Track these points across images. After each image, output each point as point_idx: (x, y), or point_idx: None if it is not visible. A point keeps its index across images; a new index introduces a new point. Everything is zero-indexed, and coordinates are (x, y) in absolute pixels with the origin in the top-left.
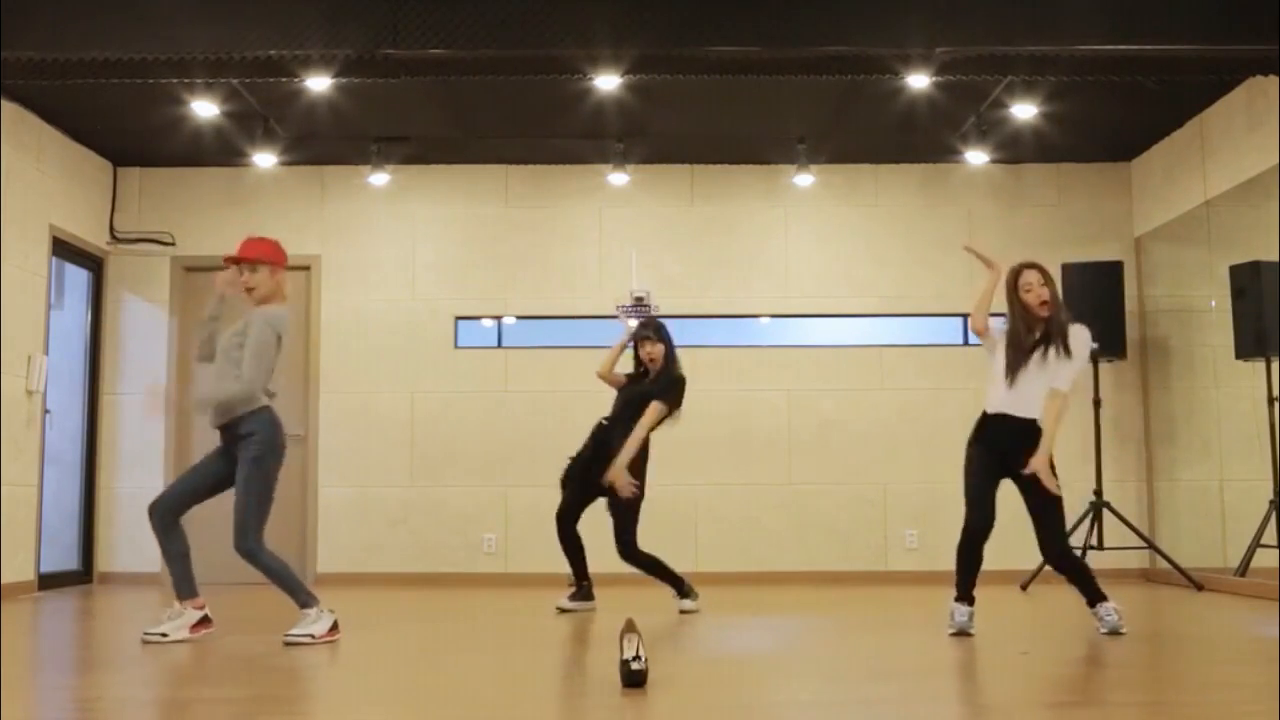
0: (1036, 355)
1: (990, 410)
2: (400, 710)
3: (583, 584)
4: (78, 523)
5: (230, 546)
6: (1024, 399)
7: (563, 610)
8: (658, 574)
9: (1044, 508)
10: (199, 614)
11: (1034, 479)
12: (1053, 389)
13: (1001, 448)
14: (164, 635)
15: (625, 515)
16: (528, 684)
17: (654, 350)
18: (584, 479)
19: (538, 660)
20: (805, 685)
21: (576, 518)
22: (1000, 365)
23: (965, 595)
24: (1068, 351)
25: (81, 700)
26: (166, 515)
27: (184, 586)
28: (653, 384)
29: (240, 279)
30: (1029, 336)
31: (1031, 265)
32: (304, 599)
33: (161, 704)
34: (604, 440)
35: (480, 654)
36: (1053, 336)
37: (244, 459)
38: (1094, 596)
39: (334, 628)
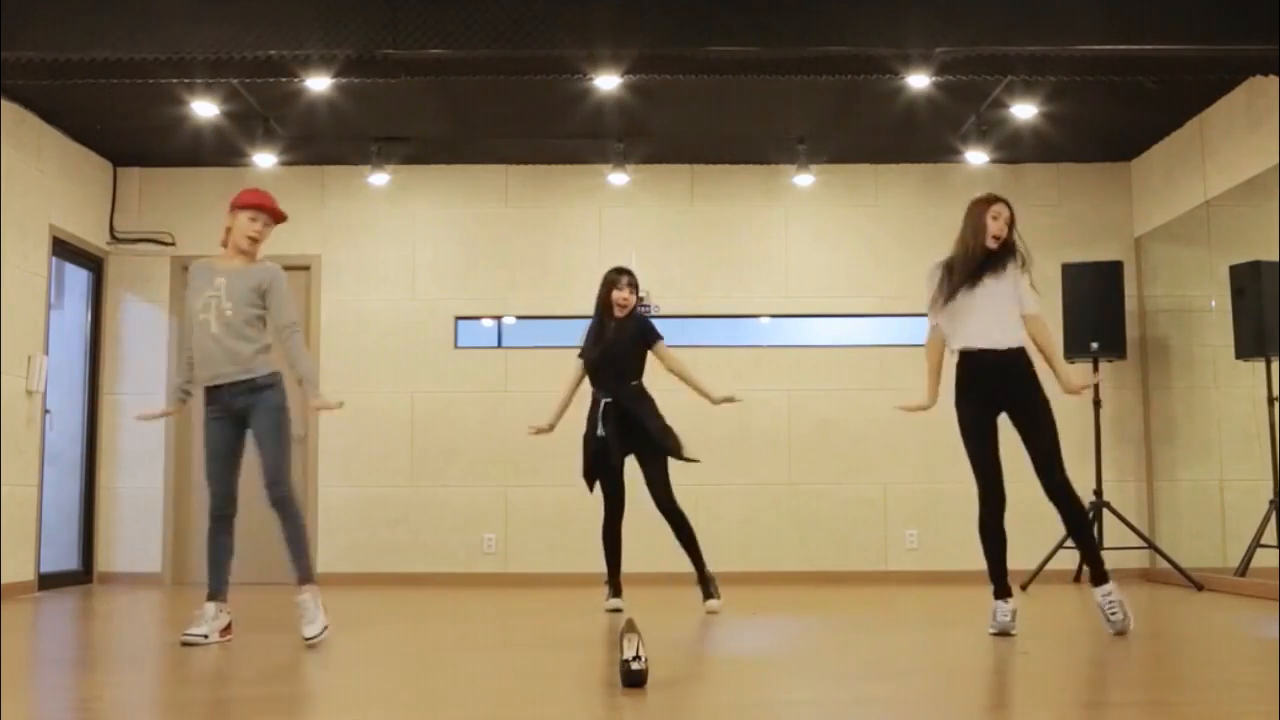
0: (991, 275)
1: (969, 346)
2: (400, 710)
3: (616, 581)
4: (78, 523)
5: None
6: (999, 325)
7: (617, 610)
8: (687, 545)
9: (1041, 435)
10: (229, 619)
11: (1028, 409)
12: (1027, 314)
13: (991, 390)
14: (205, 636)
15: (662, 465)
16: (528, 684)
17: (631, 298)
18: (616, 453)
19: (538, 660)
20: (805, 685)
21: (623, 509)
22: (957, 294)
23: (1003, 590)
24: (1021, 265)
25: (81, 700)
26: (229, 516)
27: (222, 587)
28: (624, 333)
29: (258, 231)
30: (973, 261)
31: (1004, 199)
32: (308, 573)
33: (161, 704)
34: (625, 413)
35: (480, 654)
36: (1007, 255)
37: (268, 408)
38: (1096, 571)
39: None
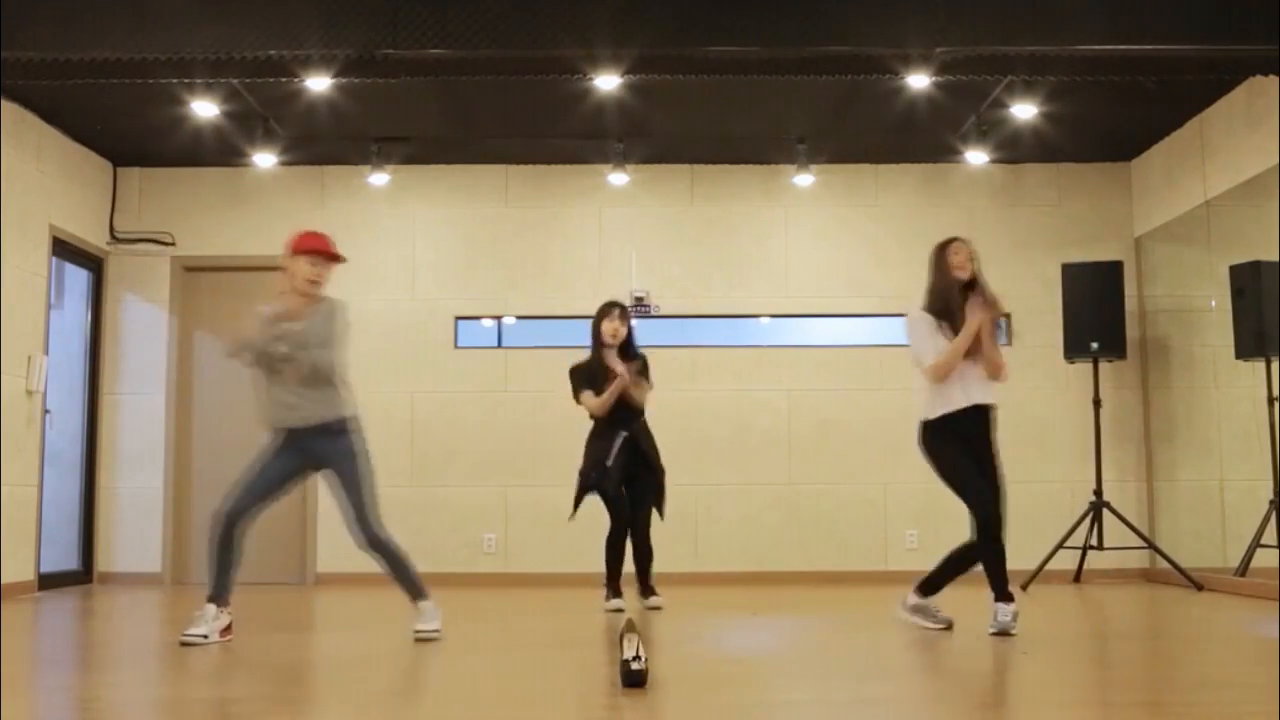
0: (989, 338)
1: (967, 402)
2: (400, 710)
3: (616, 584)
4: (78, 523)
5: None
6: (982, 382)
7: (619, 610)
8: (644, 566)
9: (993, 481)
10: (229, 619)
11: (989, 457)
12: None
13: (964, 434)
14: (205, 637)
15: (651, 505)
16: (528, 684)
17: (622, 329)
18: (614, 483)
19: (538, 660)
20: (805, 685)
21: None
22: (953, 351)
23: (1005, 595)
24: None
25: (81, 700)
26: (241, 525)
27: (225, 592)
28: (633, 370)
29: (319, 274)
30: (955, 300)
31: (961, 238)
32: (421, 591)
33: (161, 704)
34: (638, 448)
35: (480, 654)
36: (990, 307)
37: (347, 452)
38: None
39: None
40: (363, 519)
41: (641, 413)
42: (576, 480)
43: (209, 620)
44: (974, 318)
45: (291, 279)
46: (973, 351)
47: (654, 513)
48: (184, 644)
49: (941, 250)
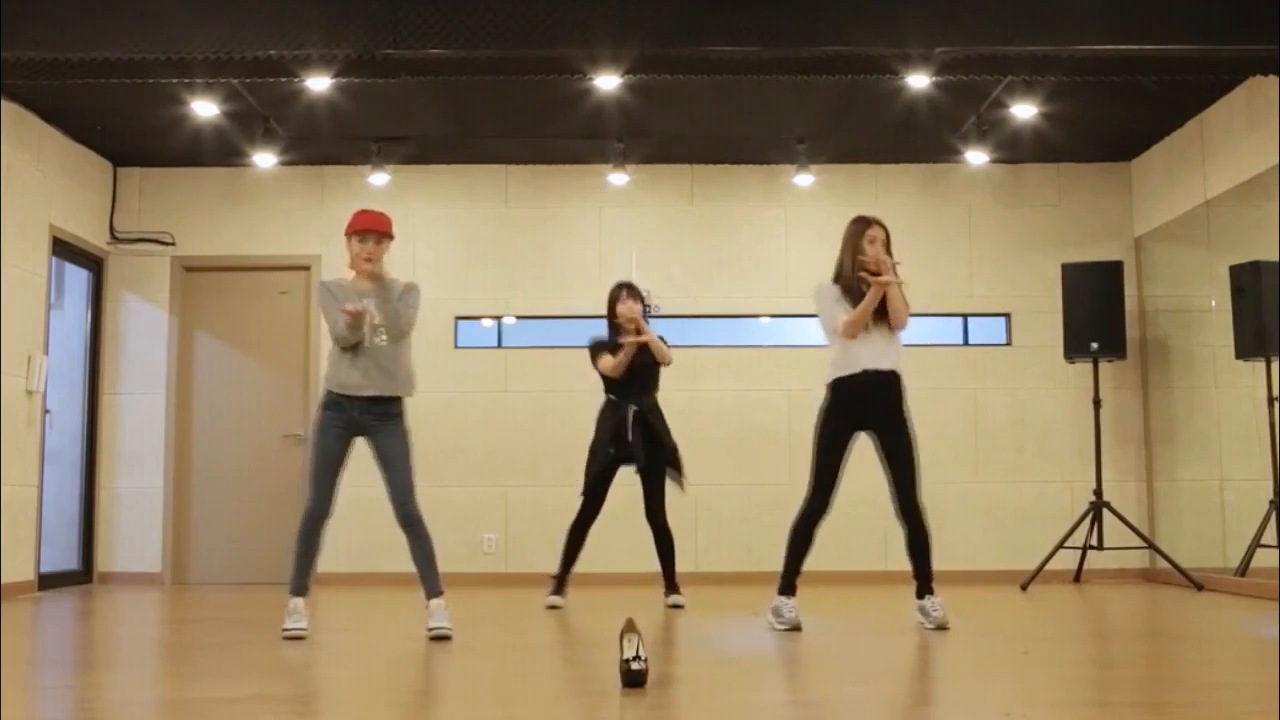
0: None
1: (859, 369)
2: (400, 710)
3: (565, 579)
4: (78, 523)
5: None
6: (891, 349)
7: (557, 607)
8: (669, 557)
9: (906, 456)
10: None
11: (897, 429)
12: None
13: (864, 410)
14: (306, 628)
15: (664, 483)
16: (528, 684)
17: (636, 306)
18: (639, 459)
19: (538, 660)
20: (805, 685)
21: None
22: (862, 309)
23: (793, 589)
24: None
25: (81, 700)
26: (328, 518)
27: (308, 585)
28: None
29: (370, 252)
30: (857, 288)
31: (880, 221)
32: (438, 587)
33: (161, 704)
34: (649, 426)
35: (480, 654)
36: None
37: (398, 431)
38: (927, 585)
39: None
40: (406, 496)
41: (653, 390)
42: (588, 457)
43: (304, 613)
44: (877, 288)
45: (350, 259)
46: (879, 318)
47: (663, 502)
48: (290, 639)
49: (858, 233)
